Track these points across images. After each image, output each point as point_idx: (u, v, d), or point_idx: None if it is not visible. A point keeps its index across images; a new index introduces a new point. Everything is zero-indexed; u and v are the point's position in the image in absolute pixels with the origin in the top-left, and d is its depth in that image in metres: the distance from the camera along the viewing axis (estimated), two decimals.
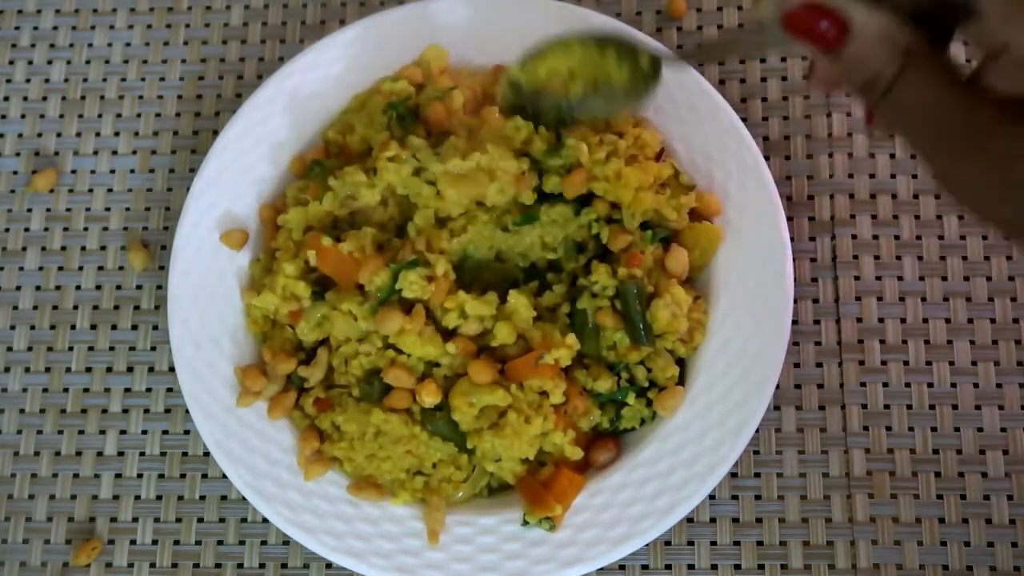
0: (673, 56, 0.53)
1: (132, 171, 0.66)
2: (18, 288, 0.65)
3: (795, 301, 0.57)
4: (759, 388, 0.55)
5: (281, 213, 0.60)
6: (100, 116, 0.68)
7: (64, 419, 0.62)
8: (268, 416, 0.57)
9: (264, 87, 0.62)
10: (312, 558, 0.58)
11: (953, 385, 0.59)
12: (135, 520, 0.60)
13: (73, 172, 0.67)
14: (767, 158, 0.60)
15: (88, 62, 0.69)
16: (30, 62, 0.69)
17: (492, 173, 0.55)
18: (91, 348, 0.63)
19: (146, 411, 0.62)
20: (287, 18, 0.68)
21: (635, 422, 0.56)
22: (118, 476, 0.61)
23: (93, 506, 0.60)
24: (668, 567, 0.57)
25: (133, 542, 0.60)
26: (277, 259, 0.59)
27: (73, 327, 0.64)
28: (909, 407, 0.59)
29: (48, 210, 0.66)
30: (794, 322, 0.59)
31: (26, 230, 0.66)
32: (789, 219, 0.58)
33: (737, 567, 0.57)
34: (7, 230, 0.66)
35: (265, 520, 0.59)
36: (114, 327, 0.63)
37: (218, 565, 0.59)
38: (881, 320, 0.60)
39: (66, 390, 0.62)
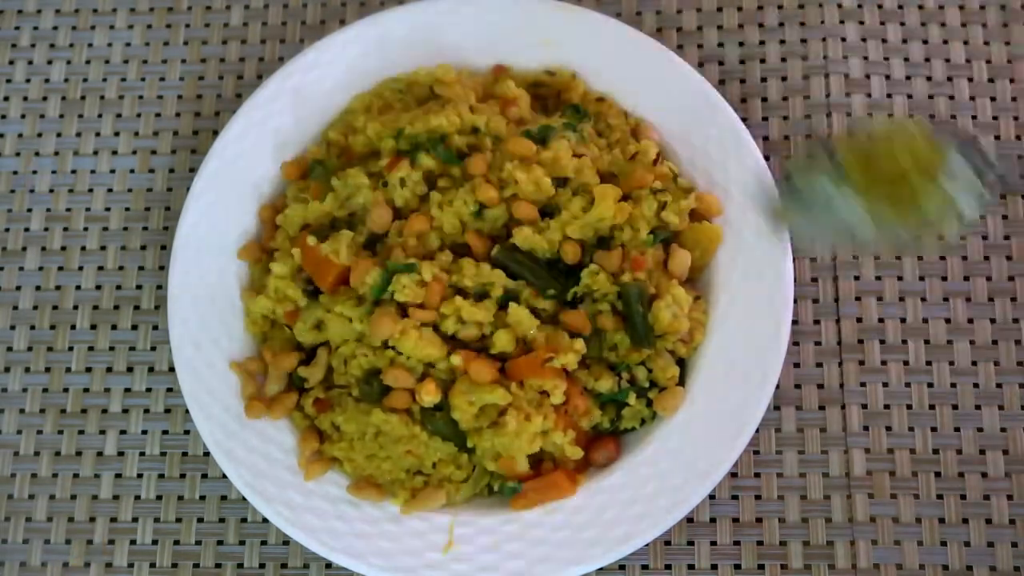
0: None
1: (132, 171, 0.66)
2: (18, 288, 0.65)
3: (795, 301, 0.57)
4: (759, 388, 0.55)
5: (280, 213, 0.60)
6: (100, 116, 0.68)
7: (64, 419, 0.62)
8: (268, 416, 0.57)
9: (264, 87, 0.62)
10: (312, 558, 0.58)
11: (953, 385, 0.59)
12: (135, 520, 0.60)
13: (73, 172, 0.67)
14: (767, 158, 0.60)
15: (88, 62, 0.69)
16: (30, 62, 0.69)
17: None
18: (91, 348, 0.63)
19: (146, 411, 0.62)
20: (287, 18, 0.68)
21: (635, 422, 0.56)
22: (118, 476, 0.61)
23: (93, 506, 0.60)
24: (668, 567, 0.57)
25: (133, 542, 0.60)
26: (273, 259, 0.59)
27: (73, 327, 0.63)
28: (909, 407, 0.59)
29: (48, 210, 0.66)
30: (794, 322, 0.59)
31: (26, 230, 0.66)
32: None
33: (737, 567, 0.57)
34: (7, 230, 0.66)
35: (265, 520, 0.59)
36: (114, 327, 0.63)
37: (218, 565, 0.59)
38: (881, 320, 0.60)
39: (66, 390, 0.62)
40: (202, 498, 0.60)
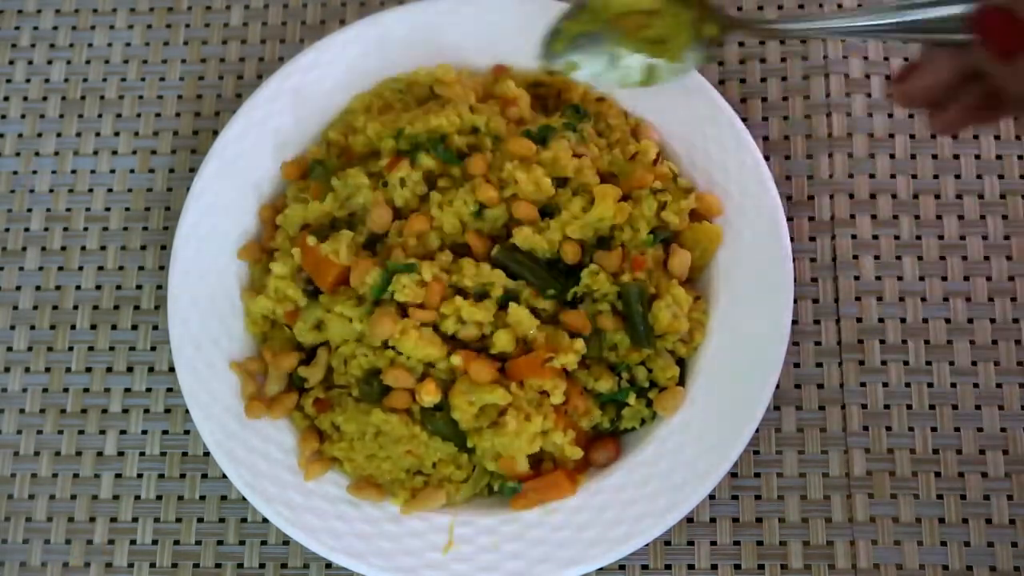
0: (761, 28, 0.53)
1: (132, 171, 0.66)
2: (18, 288, 0.65)
3: (795, 301, 0.57)
4: (759, 388, 0.55)
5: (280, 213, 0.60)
6: (100, 116, 0.68)
7: (64, 419, 0.62)
8: (268, 416, 0.57)
9: (264, 87, 0.62)
10: (312, 558, 0.58)
11: (953, 385, 0.59)
12: (135, 520, 0.60)
13: (73, 172, 0.67)
14: (767, 158, 0.60)
15: (88, 62, 0.69)
16: (30, 62, 0.69)
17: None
18: (91, 348, 0.63)
19: (146, 411, 0.62)
20: (287, 18, 0.68)
21: (635, 422, 0.56)
22: (118, 476, 0.61)
23: (93, 506, 0.60)
24: (668, 567, 0.57)
25: (133, 542, 0.60)
26: (273, 259, 0.59)
27: (73, 327, 0.64)
28: (909, 407, 0.59)
29: (48, 210, 0.66)
30: (794, 322, 0.59)
31: (26, 230, 0.66)
32: (789, 219, 0.58)
33: (737, 567, 0.57)
34: (7, 230, 0.66)
35: (265, 520, 0.59)
36: (114, 327, 0.63)
37: (218, 565, 0.59)
38: (881, 320, 0.60)
39: (66, 390, 0.62)
40: (202, 498, 0.60)
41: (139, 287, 0.64)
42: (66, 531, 0.60)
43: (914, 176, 0.62)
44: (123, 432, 0.61)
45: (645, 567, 0.57)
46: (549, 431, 0.54)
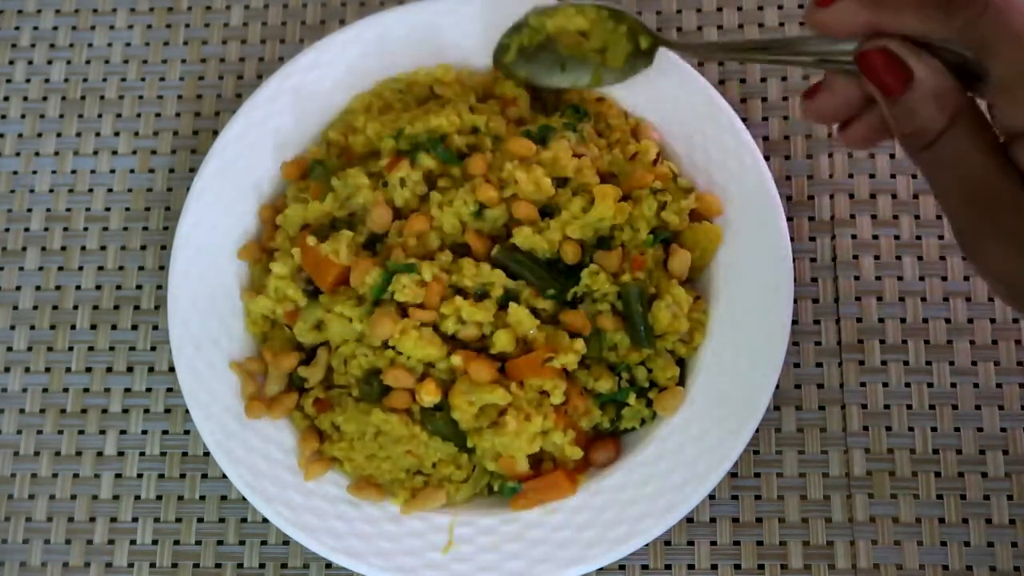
0: (676, 45, 0.56)
1: (132, 171, 0.66)
2: (18, 288, 0.65)
3: (795, 301, 0.57)
4: (759, 388, 0.55)
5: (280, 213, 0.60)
6: (100, 116, 0.68)
7: (64, 419, 0.62)
8: (268, 416, 0.57)
9: (264, 87, 0.62)
10: (312, 558, 0.58)
11: (953, 385, 0.59)
12: (135, 520, 0.60)
13: (73, 172, 0.67)
14: (767, 158, 0.60)
15: (88, 62, 0.69)
16: (30, 62, 0.69)
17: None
18: (91, 348, 0.63)
19: (146, 411, 0.62)
20: (287, 18, 0.69)
21: (635, 422, 0.56)
22: (118, 476, 0.61)
23: (93, 506, 0.60)
24: (668, 567, 0.57)
25: (133, 542, 0.60)
26: (273, 259, 0.59)
27: (73, 327, 0.64)
28: (909, 407, 0.59)
29: (48, 210, 0.66)
30: (794, 322, 0.59)
31: (26, 230, 0.66)
32: (789, 219, 0.58)
33: (737, 567, 0.57)
34: (7, 230, 0.66)
35: (265, 520, 0.59)
36: (114, 327, 0.63)
37: (218, 565, 0.59)
38: (881, 320, 0.60)
39: (66, 390, 0.62)
40: (202, 498, 0.60)
41: (139, 287, 0.64)
42: (66, 531, 0.60)
43: (914, 176, 0.62)
44: (123, 432, 0.61)
45: (645, 567, 0.57)
46: (549, 431, 0.54)
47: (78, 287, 0.64)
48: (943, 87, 0.39)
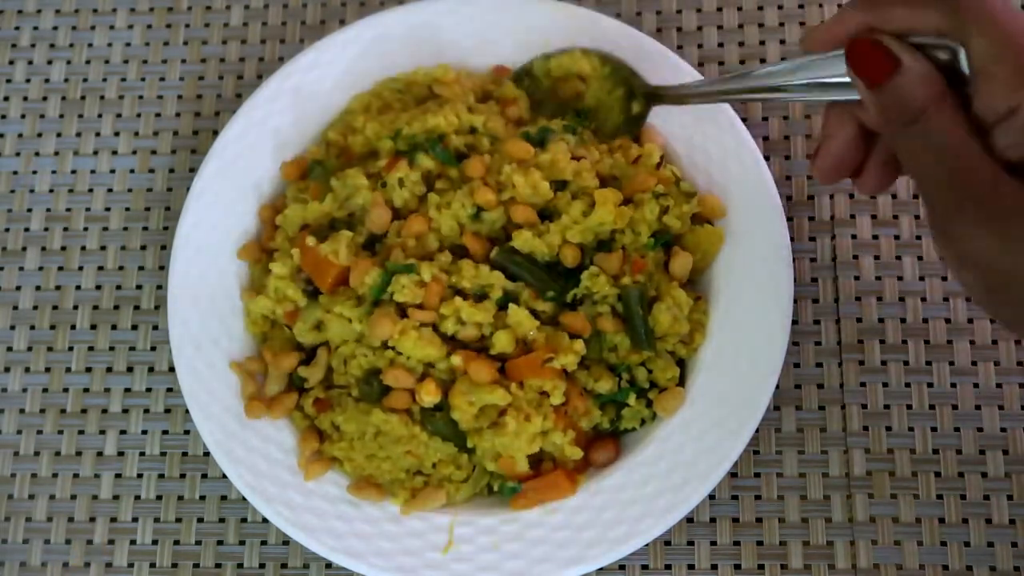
0: (670, 99, 0.56)
1: (132, 171, 0.66)
2: (18, 288, 0.65)
3: (795, 301, 0.57)
4: (759, 388, 0.55)
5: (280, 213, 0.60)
6: (100, 116, 0.68)
7: (64, 419, 0.62)
8: (268, 416, 0.57)
9: (264, 87, 0.62)
10: (312, 558, 0.58)
11: (953, 385, 0.59)
12: (135, 520, 0.60)
13: (73, 172, 0.67)
14: (767, 158, 0.60)
15: (88, 62, 0.69)
16: (30, 62, 0.69)
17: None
18: (91, 348, 0.63)
19: (146, 411, 0.62)
20: (287, 18, 0.69)
21: (635, 422, 0.56)
22: (118, 476, 0.61)
23: (93, 506, 0.60)
24: (668, 567, 0.57)
25: (133, 542, 0.60)
26: (273, 259, 0.59)
27: (73, 327, 0.64)
28: (909, 407, 0.59)
29: (48, 210, 0.66)
30: (794, 322, 0.59)
31: (26, 230, 0.66)
32: (789, 219, 0.58)
33: (737, 567, 0.57)
34: (7, 230, 0.66)
35: (265, 520, 0.59)
36: (114, 327, 0.63)
37: (218, 565, 0.59)
38: (881, 320, 0.60)
39: (66, 390, 0.62)
40: (202, 498, 0.60)
41: (139, 287, 0.64)
42: (66, 531, 0.60)
43: None
44: (123, 432, 0.61)
45: (645, 567, 0.57)
46: (549, 431, 0.54)
47: (78, 287, 0.64)
48: (928, 72, 0.41)
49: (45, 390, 0.63)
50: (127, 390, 0.62)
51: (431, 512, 0.56)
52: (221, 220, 0.60)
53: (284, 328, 0.59)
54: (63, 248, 0.65)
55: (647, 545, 0.56)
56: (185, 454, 0.61)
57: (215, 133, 0.65)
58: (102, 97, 0.68)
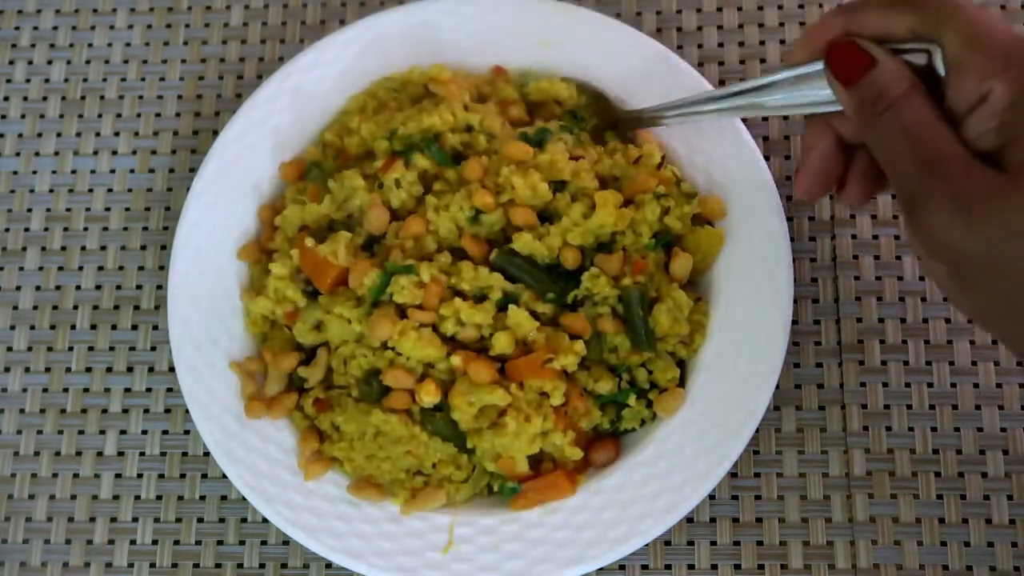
0: (641, 123, 0.58)
1: (132, 171, 0.66)
2: (18, 288, 0.65)
3: (795, 301, 0.57)
4: (759, 388, 0.55)
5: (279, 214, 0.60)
6: (100, 116, 0.68)
7: (64, 419, 0.62)
8: (268, 416, 0.57)
9: (264, 87, 0.62)
10: (312, 558, 0.58)
11: (953, 385, 0.59)
12: (135, 520, 0.60)
13: (73, 172, 0.67)
14: (767, 158, 0.60)
15: (88, 62, 0.69)
16: (30, 62, 0.69)
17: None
18: (91, 348, 0.63)
19: (146, 411, 0.62)
20: (287, 18, 0.69)
21: (635, 423, 0.56)
22: (118, 476, 0.61)
23: (93, 506, 0.60)
24: (668, 567, 0.57)
25: (133, 542, 0.60)
26: (273, 259, 0.59)
27: (73, 327, 0.64)
28: (909, 407, 0.59)
29: (48, 210, 0.66)
30: (794, 322, 0.59)
31: (26, 230, 0.66)
32: (789, 219, 0.58)
33: (737, 567, 0.57)
34: (7, 230, 0.66)
35: (265, 520, 0.59)
36: (114, 327, 0.63)
37: (218, 565, 0.59)
38: (881, 320, 0.60)
39: (66, 390, 0.62)
40: (202, 498, 0.60)
41: (139, 287, 0.64)
42: (66, 531, 0.60)
43: None
44: (123, 432, 0.61)
45: (645, 567, 0.57)
46: (549, 432, 0.54)
47: (78, 287, 0.64)
48: (902, 68, 0.44)
49: (45, 390, 0.63)
50: (127, 390, 0.62)
51: (431, 512, 0.56)
52: (221, 220, 0.60)
53: (284, 328, 0.59)
54: (63, 248, 0.65)
55: (647, 545, 0.56)
56: (185, 454, 0.61)
57: (215, 133, 0.65)
58: (102, 97, 0.68)
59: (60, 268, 0.65)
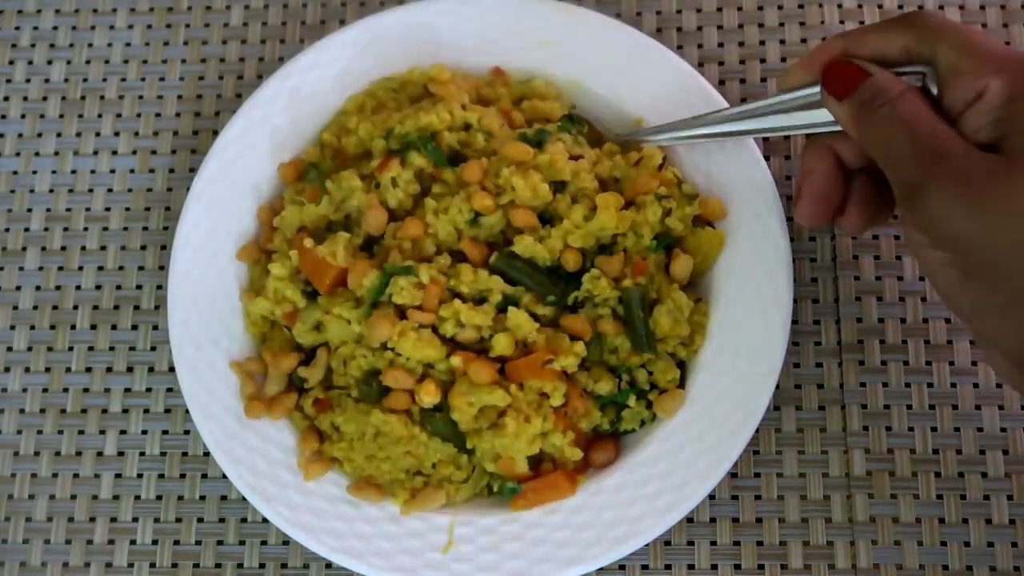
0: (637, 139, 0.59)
1: (132, 171, 0.66)
2: (18, 288, 0.65)
3: (795, 301, 0.57)
4: (759, 389, 0.55)
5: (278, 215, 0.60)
6: (100, 116, 0.68)
7: (64, 419, 0.62)
8: (268, 416, 0.57)
9: (264, 87, 0.62)
10: (312, 558, 0.58)
11: (953, 385, 0.59)
12: (135, 520, 0.60)
13: (73, 172, 0.67)
14: (767, 158, 0.60)
15: (88, 62, 0.69)
16: (30, 62, 0.69)
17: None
18: (91, 348, 0.63)
19: (146, 411, 0.62)
20: (287, 18, 0.68)
21: (635, 423, 0.56)
22: (118, 476, 0.61)
23: (93, 506, 0.60)
24: (668, 567, 0.57)
25: (133, 542, 0.60)
26: (272, 260, 0.59)
27: (73, 327, 0.64)
28: (909, 407, 0.59)
29: (48, 210, 0.66)
30: (794, 322, 0.59)
31: (26, 230, 0.66)
32: (789, 219, 0.58)
33: (737, 567, 0.57)
34: (7, 230, 0.66)
35: (265, 520, 0.59)
36: (114, 327, 0.63)
37: (218, 565, 0.59)
38: (881, 320, 0.60)
39: (66, 390, 0.62)
40: (202, 498, 0.60)
41: (139, 287, 0.64)
42: (66, 531, 0.60)
43: None
44: (123, 432, 0.61)
45: (645, 567, 0.57)
46: (549, 432, 0.54)
47: (78, 287, 0.64)
48: (896, 77, 0.46)
49: (45, 390, 0.63)
50: (127, 390, 0.62)
51: (431, 512, 0.56)
52: (221, 220, 0.60)
53: (284, 329, 0.59)
54: (63, 248, 0.65)
55: (647, 545, 0.56)
56: (185, 454, 0.61)
57: (215, 133, 0.65)
58: (102, 97, 0.68)
59: (60, 268, 0.65)
